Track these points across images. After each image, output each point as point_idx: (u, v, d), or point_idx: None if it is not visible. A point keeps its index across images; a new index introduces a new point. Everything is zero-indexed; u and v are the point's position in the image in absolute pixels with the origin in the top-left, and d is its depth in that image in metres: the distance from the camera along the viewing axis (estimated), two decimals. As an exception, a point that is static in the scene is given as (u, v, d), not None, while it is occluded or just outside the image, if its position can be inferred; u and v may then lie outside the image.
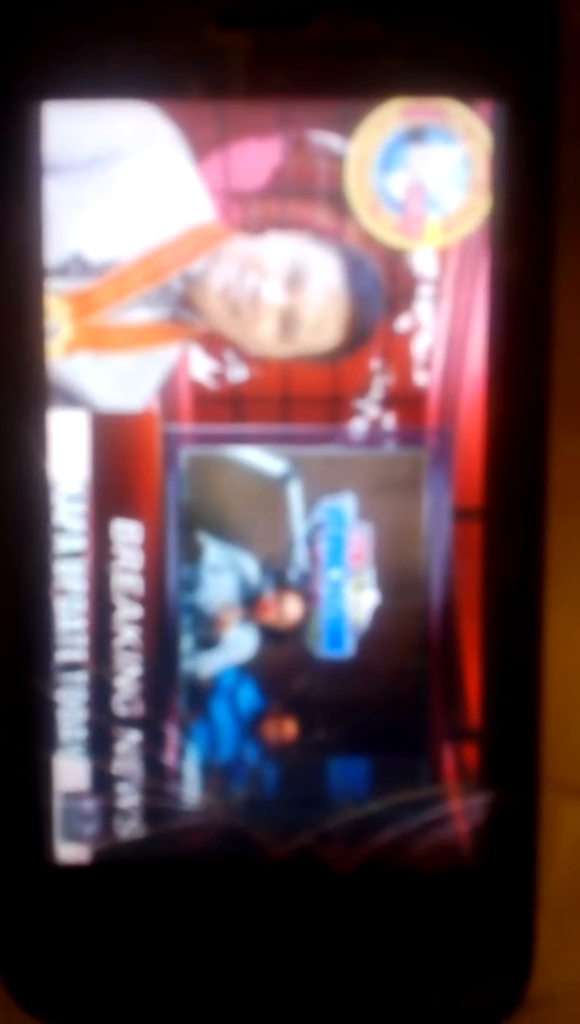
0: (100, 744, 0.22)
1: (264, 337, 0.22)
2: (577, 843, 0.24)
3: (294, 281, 0.22)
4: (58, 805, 0.22)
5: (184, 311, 0.22)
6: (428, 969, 0.23)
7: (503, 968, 0.23)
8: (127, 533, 0.22)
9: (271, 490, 0.22)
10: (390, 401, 0.22)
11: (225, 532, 0.22)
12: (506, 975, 0.23)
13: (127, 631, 0.22)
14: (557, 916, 0.23)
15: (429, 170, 0.21)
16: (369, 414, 0.22)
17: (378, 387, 0.22)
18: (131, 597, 0.22)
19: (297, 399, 0.22)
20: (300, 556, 0.22)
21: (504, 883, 0.23)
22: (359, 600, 0.22)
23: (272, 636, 0.23)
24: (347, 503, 0.22)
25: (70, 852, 0.23)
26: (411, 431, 0.22)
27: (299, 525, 0.22)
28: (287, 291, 0.22)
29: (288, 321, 0.22)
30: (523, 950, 0.23)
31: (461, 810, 0.23)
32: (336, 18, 0.21)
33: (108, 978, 0.23)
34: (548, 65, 0.21)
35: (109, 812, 0.23)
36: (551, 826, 0.23)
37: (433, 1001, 0.23)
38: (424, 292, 0.22)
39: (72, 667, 0.22)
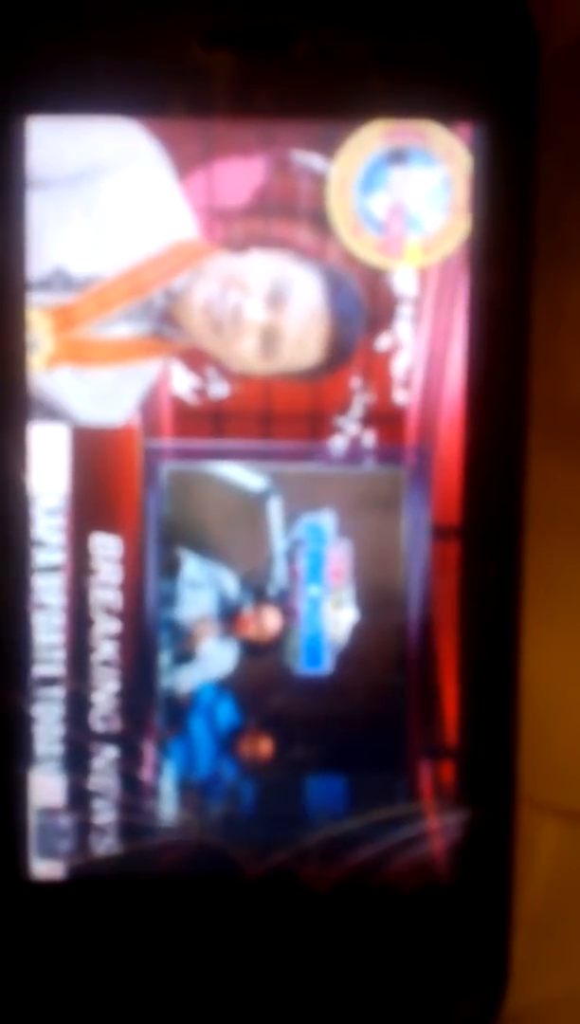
0: (77, 760, 0.22)
1: (245, 354, 0.22)
2: (553, 861, 0.24)
3: (276, 299, 0.22)
4: (34, 821, 0.22)
5: (166, 327, 0.22)
6: (405, 986, 0.23)
7: (479, 985, 0.23)
8: (106, 547, 0.22)
9: (251, 506, 0.22)
10: (370, 419, 0.22)
11: (205, 547, 0.22)
12: (482, 991, 0.23)
13: (105, 646, 0.22)
14: (533, 933, 0.23)
15: (410, 191, 0.22)
16: (349, 431, 0.22)
17: (358, 405, 0.22)
18: (109, 612, 0.22)
19: (278, 416, 0.22)
20: (279, 572, 0.22)
21: (480, 901, 0.23)
22: (338, 617, 0.22)
23: (251, 651, 0.22)
24: (327, 520, 0.22)
25: (45, 868, 0.22)
26: (390, 449, 0.22)
27: (279, 541, 0.22)
28: (269, 309, 0.22)
29: (269, 338, 0.22)
30: (499, 967, 0.23)
31: (438, 828, 0.22)
32: (319, 40, 0.21)
33: (83, 994, 0.22)
34: (527, 88, 0.21)
35: (85, 828, 0.22)
36: (527, 844, 0.23)
37: (410, 1017, 0.22)
38: (404, 311, 0.22)
39: (49, 682, 0.22)
